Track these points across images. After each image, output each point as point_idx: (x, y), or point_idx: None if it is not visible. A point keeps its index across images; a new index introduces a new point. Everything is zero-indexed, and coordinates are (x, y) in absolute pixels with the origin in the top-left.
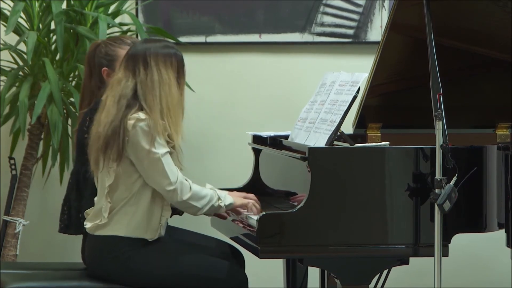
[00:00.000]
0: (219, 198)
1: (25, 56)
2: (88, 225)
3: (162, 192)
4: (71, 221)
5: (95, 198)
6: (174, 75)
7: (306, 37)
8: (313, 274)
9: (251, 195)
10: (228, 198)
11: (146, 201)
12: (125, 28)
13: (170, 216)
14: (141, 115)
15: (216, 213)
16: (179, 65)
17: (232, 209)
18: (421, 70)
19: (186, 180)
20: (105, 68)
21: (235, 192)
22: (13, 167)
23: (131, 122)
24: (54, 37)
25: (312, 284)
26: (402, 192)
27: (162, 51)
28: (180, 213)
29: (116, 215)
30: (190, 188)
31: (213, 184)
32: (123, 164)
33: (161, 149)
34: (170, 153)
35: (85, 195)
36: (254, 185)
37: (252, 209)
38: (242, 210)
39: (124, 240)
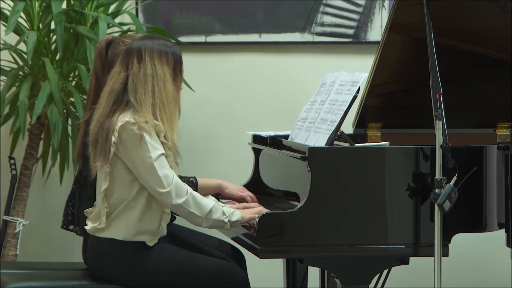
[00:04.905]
0: (223, 213)
1: (25, 56)
2: (88, 225)
3: (155, 195)
4: (73, 217)
5: (95, 202)
6: (170, 72)
7: (306, 37)
8: (313, 274)
9: (253, 203)
10: (235, 215)
11: (145, 205)
12: (125, 28)
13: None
14: (132, 119)
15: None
16: (175, 63)
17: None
18: (421, 70)
19: (184, 185)
20: None
21: (242, 207)
22: (13, 167)
23: (121, 125)
24: (54, 37)
25: (312, 284)
26: (402, 192)
27: (158, 47)
28: None
29: (114, 220)
30: (187, 192)
31: None
32: (117, 167)
33: (154, 152)
34: (166, 155)
35: (83, 198)
36: (254, 185)
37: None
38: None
39: (124, 243)
